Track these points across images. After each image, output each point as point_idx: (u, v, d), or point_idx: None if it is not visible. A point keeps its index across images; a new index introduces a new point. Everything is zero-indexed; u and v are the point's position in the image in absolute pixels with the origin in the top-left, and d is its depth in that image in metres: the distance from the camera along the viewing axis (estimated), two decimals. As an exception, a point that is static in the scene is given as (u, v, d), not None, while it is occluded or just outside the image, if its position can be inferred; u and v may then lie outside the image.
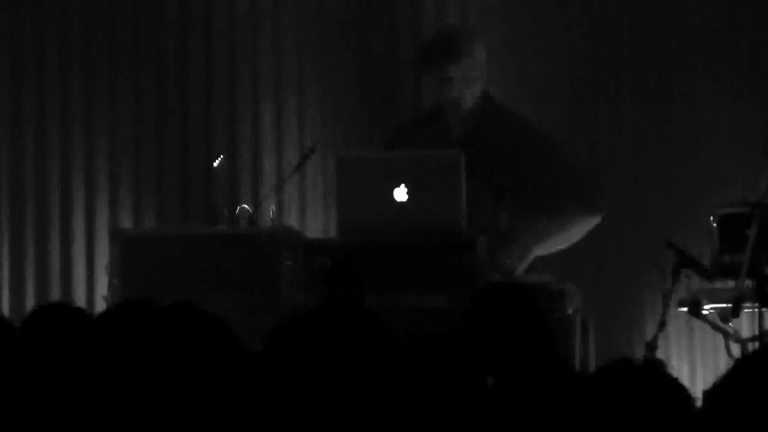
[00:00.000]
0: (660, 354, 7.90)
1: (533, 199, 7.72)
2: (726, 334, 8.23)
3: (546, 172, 7.73)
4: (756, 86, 9.41)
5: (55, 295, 9.37)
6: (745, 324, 8.38)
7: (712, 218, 8.26)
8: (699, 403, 4.02)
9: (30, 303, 9.33)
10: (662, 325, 7.89)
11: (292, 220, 9.27)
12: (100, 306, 8.61)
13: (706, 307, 8.20)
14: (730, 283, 8.16)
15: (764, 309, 8.06)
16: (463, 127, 7.90)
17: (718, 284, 8.23)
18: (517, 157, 7.73)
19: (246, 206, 8.58)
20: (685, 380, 6.89)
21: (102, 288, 8.67)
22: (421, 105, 9.27)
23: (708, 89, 9.47)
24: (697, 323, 8.74)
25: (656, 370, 3.95)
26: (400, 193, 7.32)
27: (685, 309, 8.22)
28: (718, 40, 9.47)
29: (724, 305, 8.05)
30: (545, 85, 9.57)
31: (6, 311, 9.26)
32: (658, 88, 9.54)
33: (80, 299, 9.33)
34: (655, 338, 7.82)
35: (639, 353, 8.39)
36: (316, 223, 9.41)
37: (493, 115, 7.91)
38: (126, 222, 9.41)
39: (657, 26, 9.51)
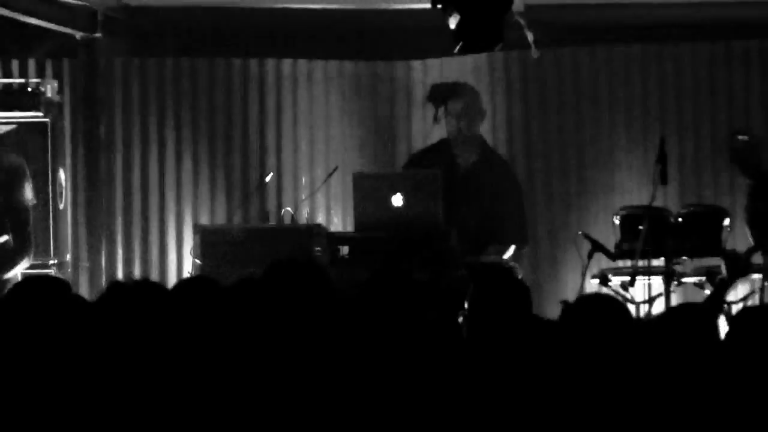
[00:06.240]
0: (578, 312, 8.34)
1: (498, 226, 7.59)
2: (625, 299, 8.42)
3: (511, 210, 7.61)
4: (650, 128, 9.53)
5: (155, 272, 9.50)
6: (639, 291, 8.60)
7: (615, 217, 8.61)
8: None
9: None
10: (580, 291, 8.17)
11: (320, 219, 9.33)
12: (188, 280, 9.07)
13: (611, 279, 8.55)
14: (629, 263, 8.50)
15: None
16: (465, 161, 7.72)
17: (620, 263, 8.62)
18: (497, 193, 7.60)
19: (288, 209, 8.92)
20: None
21: (188, 266, 9.08)
22: (411, 140, 9.50)
23: (616, 127, 9.64)
24: (604, 291, 8.68)
25: None
26: (397, 200, 7.50)
27: (596, 281, 8.62)
28: (626, 105, 9.65)
29: (624, 278, 8.46)
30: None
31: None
32: (581, 129, 9.68)
33: (172, 275, 9.45)
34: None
35: (564, 312, 8.60)
36: (338, 221, 9.50)
37: (488, 155, 7.75)
38: (204, 219, 9.51)
39: (580, 83, 9.69)
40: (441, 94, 7.75)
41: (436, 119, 7.76)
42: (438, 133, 8.60)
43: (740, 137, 7.53)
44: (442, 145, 7.86)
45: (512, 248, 7.67)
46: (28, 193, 7.18)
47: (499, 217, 7.55)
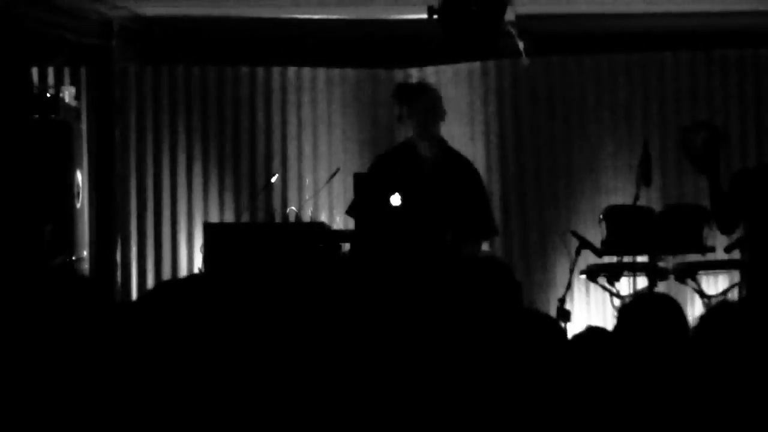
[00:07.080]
0: (567, 306, 8.18)
1: (465, 220, 7.35)
2: (611, 293, 8.70)
3: (477, 203, 7.41)
4: (634, 132, 9.57)
5: (166, 268, 9.56)
6: (624, 286, 8.75)
7: (601, 216, 8.79)
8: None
9: (150, 275, 9.54)
10: (569, 286, 8.31)
11: (323, 218, 9.49)
12: (197, 275, 8.85)
13: (598, 275, 8.73)
14: (614, 259, 8.73)
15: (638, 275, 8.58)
16: (429, 158, 7.48)
17: (606, 259, 8.74)
18: (463, 188, 7.41)
19: (293, 208, 9.09)
20: (583, 323, 7.28)
21: (198, 262, 9.22)
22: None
23: (602, 132, 9.69)
24: (591, 285, 9.10)
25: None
26: (395, 199, 7.36)
27: (584, 276, 8.81)
28: (611, 110, 9.70)
29: (610, 273, 8.66)
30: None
31: (133, 283, 9.55)
32: (569, 133, 9.75)
33: (183, 270, 9.51)
34: (564, 296, 8.20)
35: (553, 306, 8.39)
36: (340, 219, 9.40)
37: (450, 155, 7.57)
38: (214, 217, 9.58)
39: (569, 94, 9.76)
40: (406, 93, 7.53)
41: (400, 119, 7.62)
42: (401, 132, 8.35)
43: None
44: (406, 145, 7.69)
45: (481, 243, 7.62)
46: None
47: (466, 210, 7.40)
